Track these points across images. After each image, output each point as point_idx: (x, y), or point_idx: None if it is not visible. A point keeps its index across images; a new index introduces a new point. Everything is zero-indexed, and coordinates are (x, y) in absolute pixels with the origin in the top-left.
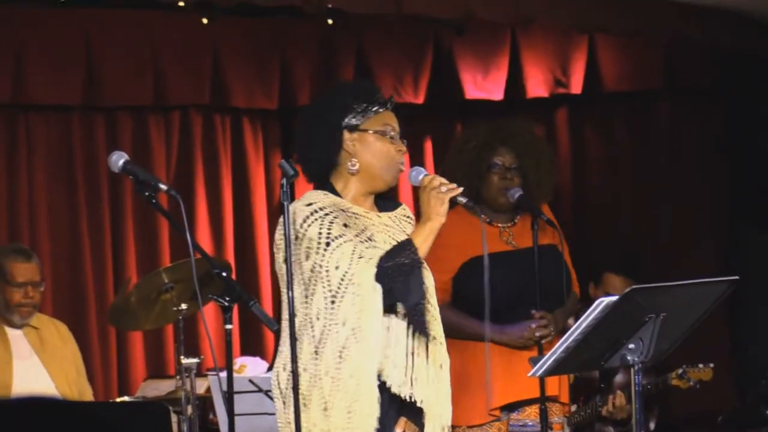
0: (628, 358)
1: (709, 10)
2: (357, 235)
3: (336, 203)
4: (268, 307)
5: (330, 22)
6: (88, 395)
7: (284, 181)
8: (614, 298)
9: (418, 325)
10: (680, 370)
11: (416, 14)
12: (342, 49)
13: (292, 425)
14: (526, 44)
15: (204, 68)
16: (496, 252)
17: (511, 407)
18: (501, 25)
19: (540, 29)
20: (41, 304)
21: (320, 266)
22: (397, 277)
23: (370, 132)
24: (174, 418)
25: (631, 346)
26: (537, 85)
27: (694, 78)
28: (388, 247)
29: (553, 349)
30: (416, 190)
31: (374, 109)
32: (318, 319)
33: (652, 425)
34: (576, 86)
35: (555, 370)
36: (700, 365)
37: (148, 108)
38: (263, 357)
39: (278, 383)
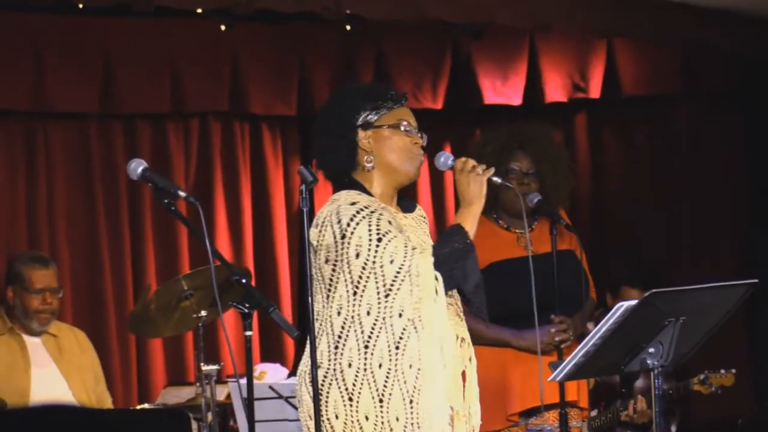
0: (648, 362)
1: (727, 13)
2: (400, 231)
3: (374, 201)
4: (287, 313)
5: (348, 28)
6: (107, 403)
7: (303, 187)
8: (634, 302)
9: (477, 308)
10: (702, 376)
11: (435, 20)
12: (360, 54)
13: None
14: (544, 49)
15: (222, 75)
16: (514, 258)
17: (529, 412)
18: (519, 31)
19: (558, 34)
20: (60, 312)
21: (373, 262)
22: (455, 262)
23: (384, 127)
24: (194, 425)
25: (651, 350)
26: (555, 90)
27: (713, 81)
28: (420, 243)
29: (573, 354)
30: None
31: (387, 105)
32: (368, 314)
33: (673, 429)
34: (595, 91)
35: (575, 374)
36: (722, 371)
37: (167, 115)
38: (283, 363)
39: (309, 382)
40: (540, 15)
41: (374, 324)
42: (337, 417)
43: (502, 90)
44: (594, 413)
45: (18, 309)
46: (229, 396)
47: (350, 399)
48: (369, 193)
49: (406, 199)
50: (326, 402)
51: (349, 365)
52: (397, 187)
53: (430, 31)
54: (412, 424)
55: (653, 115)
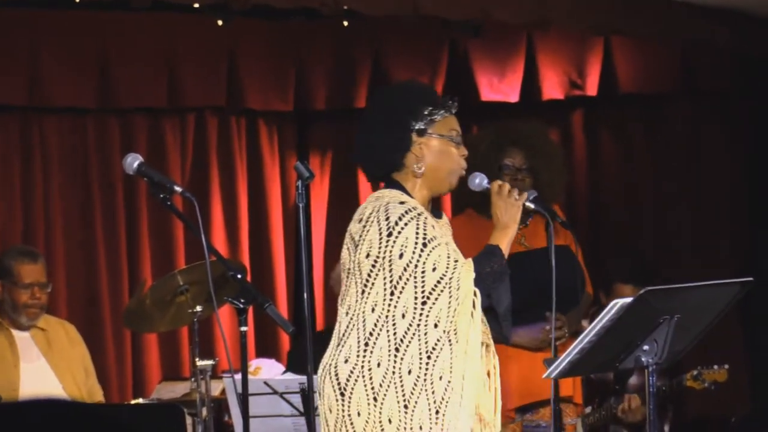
0: (643, 359)
1: (727, 11)
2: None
3: (418, 204)
4: (283, 309)
5: (346, 24)
6: (98, 396)
7: (299, 183)
8: (629, 299)
9: (506, 330)
10: (695, 372)
11: (432, 16)
12: (358, 51)
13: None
14: (541, 46)
15: (219, 70)
16: (513, 252)
17: (525, 408)
18: (517, 27)
19: (556, 31)
20: (55, 306)
21: (415, 266)
22: (494, 283)
23: (437, 136)
24: (189, 420)
25: (646, 347)
26: (552, 87)
27: (712, 80)
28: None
29: (568, 351)
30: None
31: (441, 113)
32: (404, 317)
33: (666, 428)
34: (591, 88)
35: (570, 371)
36: (715, 366)
37: (163, 110)
38: (278, 359)
39: (335, 375)
40: (538, 12)
41: (408, 328)
42: (359, 414)
43: (499, 87)
44: (588, 410)
45: (7, 303)
46: (223, 391)
47: (375, 399)
48: (410, 196)
49: (435, 207)
50: (350, 398)
51: (378, 365)
52: (435, 195)
53: (428, 27)
54: None
55: (650, 113)
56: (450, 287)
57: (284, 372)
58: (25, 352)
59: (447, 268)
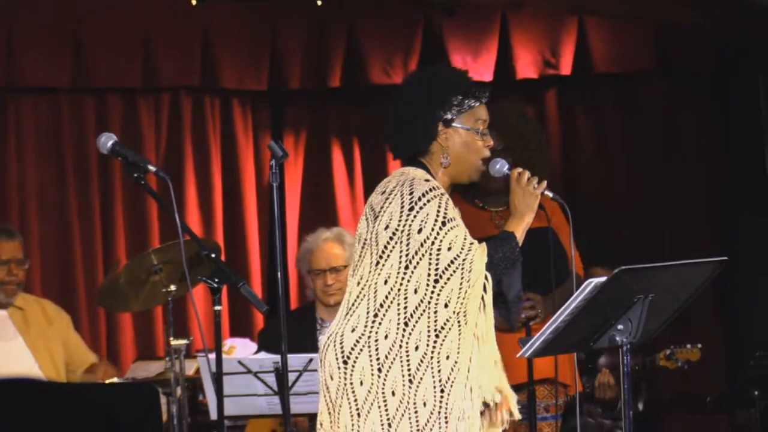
0: (617, 338)
1: None
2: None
3: (441, 185)
4: (257, 288)
5: (320, 3)
6: (91, 359)
7: (273, 162)
8: (603, 279)
9: (513, 317)
10: (668, 351)
11: None
12: (332, 30)
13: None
14: (515, 25)
15: (194, 50)
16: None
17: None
18: (491, 7)
19: (530, 11)
20: (30, 285)
21: (431, 243)
22: (505, 269)
23: (463, 128)
24: (163, 399)
25: (620, 326)
26: (526, 67)
27: (685, 59)
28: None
29: (542, 330)
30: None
31: (470, 103)
32: (416, 293)
33: (640, 406)
34: (566, 67)
35: (544, 350)
36: (688, 345)
37: (138, 90)
38: (252, 338)
39: (340, 343)
40: None
41: (419, 304)
42: (362, 383)
43: (473, 66)
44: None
45: None
46: (198, 371)
47: (379, 370)
48: (434, 178)
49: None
50: (353, 366)
51: (386, 337)
52: (455, 183)
53: (402, 6)
54: (439, 412)
55: (624, 92)
56: (463, 268)
57: (256, 352)
58: (2, 331)
59: (462, 249)
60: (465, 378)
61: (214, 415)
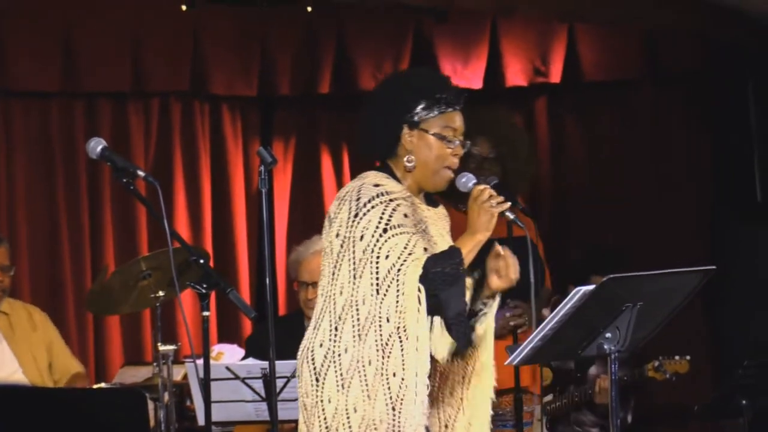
0: (605, 347)
1: None
2: (415, 225)
3: (400, 189)
4: (245, 294)
5: (309, 9)
6: (74, 368)
7: (262, 168)
8: (591, 287)
9: (458, 337)
10: (657, 363)
11: (397, 2)
12: (322, 36)
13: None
14: (505, 33)
15: (184, 55)
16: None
17: None
18: (481, 14)
19: (520, 18)
20: (18, 290)
21: (371, 251)
22: (440, 285)
23: (429, 133)
24: (151, 404)
25: (608, 335)
26: (516, 74)
27: (675, 65)
28: (440, 240)
29: (530, 338)
30: None
31: (439, 108)
32: (364, 303)
33: (629, 416)
34: (555, 75)
35: (532, 358)
36: (677, 357)
37: (128, 94)
38: (240, 344)
39: (311, 359)
40: None
41: (366, 317)
42: (329, 401)
43: (463, 73)
44: (549, 398)
45: None
46: (186, 376)
47: (342, 386)
48: (398, 181)
49: (431, 196)
50: (323, 384)
51: (346, 351)
52: (422, 189)
53: (392, 13)
54: (393, 430)
55: (614, 99)
56: (397, 280)
57: (243, 358)
58: None
59: (398, 258)
60: (414, 394)
61: (201, 420)
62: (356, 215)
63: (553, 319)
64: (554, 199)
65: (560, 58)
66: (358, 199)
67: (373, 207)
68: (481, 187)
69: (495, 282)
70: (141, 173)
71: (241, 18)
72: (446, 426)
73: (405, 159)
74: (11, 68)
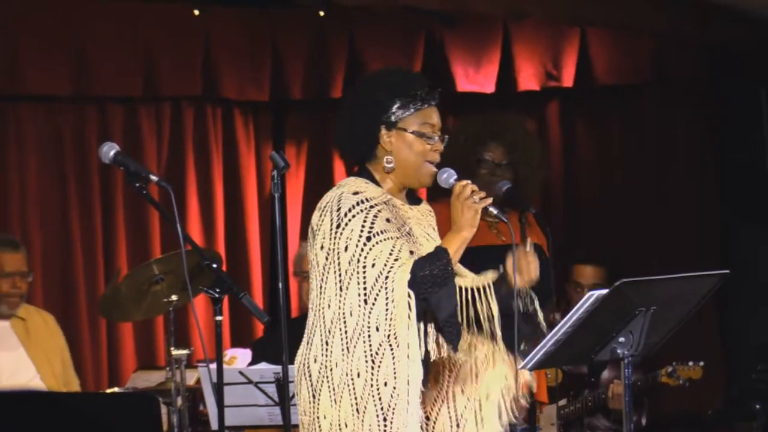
0: (618, 351)
1: (698, 3)
2: (399, 229)
3: (379, 194)
4: (258, 298)
5: (321, 13)
6: (74, 386)
7: (275, 172)
8: (604, 291)
9: (448, 339)
10: (670, 368)
11: (408, 6)
12: (334, 40)
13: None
14: (518, 37)
15: (195, 59)
16: (488, 245)
17: None
18: (493, 18)
19: (532, 22)
20: (31, 295)
21: (357, 261)
22: (430, 288)
23: (408, 131)
24: (164, 409)
25: (621, 339)
26: (528, 79)
27: (685, 71)
28: (424, 241)
29: (543, 342)
30: None
31: (416, 105)
32: (351, 315)
33: (643, 420)
34: (567, 79)
35: (545, 363)
36: (690, 363)
37: (139, 99)
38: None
39: (308, 375)
40: (514, 3)
41: (354, 328)
42: (324, 417)
43: (475, 78)
44: (563, 402)
45: None
46: (198, 381)
47: (335, 401)
48: (378, 184)
49: (413, 193)
50: (318, 400)
51: (336, 365)
52: (408, 188)
53: (404, 17)
54: None
55: (626, 104)
56: (386, 288)
57: (251, 362)
58: (4, 341)
59: (385, 265)
60: (406, 403)
61: (214, 425)
62: (338, 226)
63: (566, 323)
64: (565, 202)
65: (572, 62)
66: (338, 209)
67: (354, 216)
68: (463, 182)
69: (521, 279)
70: (154, 178)
71: (253, 22)
72: (458, 425)
73: (384, 160)
74: (23, 72)
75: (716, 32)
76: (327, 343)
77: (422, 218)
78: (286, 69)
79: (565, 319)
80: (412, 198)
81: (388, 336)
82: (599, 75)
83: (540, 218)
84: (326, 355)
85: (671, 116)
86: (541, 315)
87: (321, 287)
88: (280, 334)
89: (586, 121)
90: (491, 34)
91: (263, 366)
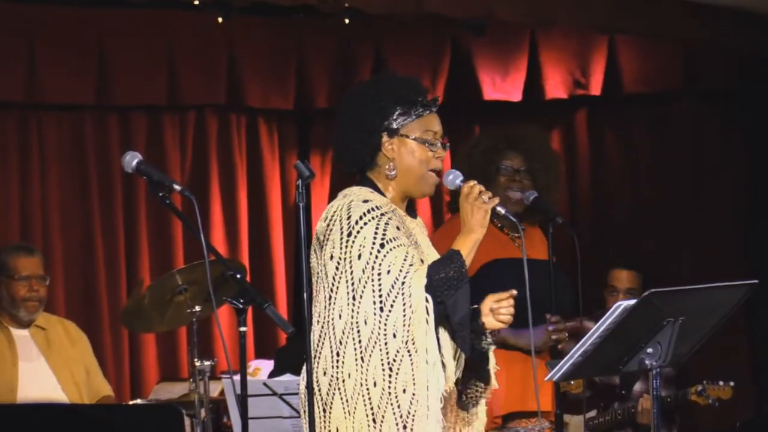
0: (646, 362)
1: (729, 11)
2: (408, 237)
3: (386, 203)
4: (282, 309)
5: (347, 21)
6: (105, 391)
7: (300, 182)
8: (632, 301)
9: (461, 342)
10: (700, 387)
11: (435, 14)
12: (359, 49)
13: None
14: (545, 45)
15: (219, 68)
16: (509, 258)
17: (511, 416)
18: (520, 26)
19: (559, 30)
20: (53, 305)
21: (372, 268)
22: (446, 290)
23: (410, 138)
24: (187, 421)
25: (650, 350)
26: (556, 87)
27: (714, 80)
28: (427, 251)
29: (571, 353)
30: None
31: (416, 112)
32: (366, 324)
33: None
34: (595, 87)
35: (572, 374)
36: (721, 383)
37: (163, 108)
38: None
39: (318, 389)
40: (541, 10)
41: (370, 337)
42: (337, 430)
43: (501, 86)
44: (593, 413)
45: (5, 300)
46: (222, 392)
47: (348, 413)
48: (382, 194)
49: (411, 206)
50: (330, 414)
51: (349, 376)
52: (410, 197)
53: (430, 25)
54: None
55: (654, 112)
56: (403, 293)
57: (272, 371)
58: (24, 351)
59: (400, 271)
60: (426, 409)
61: None
62: (349, 234)
63: (594, 333)
64: (593, 211)
65: (600, 70)
66: (349, 218)
67: (366, 223)
68: (470, 183)
69: (489, 321)
70: (177, 187)
71: (277, 30)
72: None
73: (386, 168)
74: (45, 81)
75: (750, 41)
76: (338, 354)
77: (421, 231)
78: (310, 77)
79: (593, 329)
80: (410, 211)
81: (406, 342)
82: (627, 83)
83: (568, 226)
84: (337, 367)
85: (702, 125)
86: (492, 361)
87: (331, 298)
88: (303, 344)
89: (614, 129)
90: (518, 42)
91: (288, 378)
